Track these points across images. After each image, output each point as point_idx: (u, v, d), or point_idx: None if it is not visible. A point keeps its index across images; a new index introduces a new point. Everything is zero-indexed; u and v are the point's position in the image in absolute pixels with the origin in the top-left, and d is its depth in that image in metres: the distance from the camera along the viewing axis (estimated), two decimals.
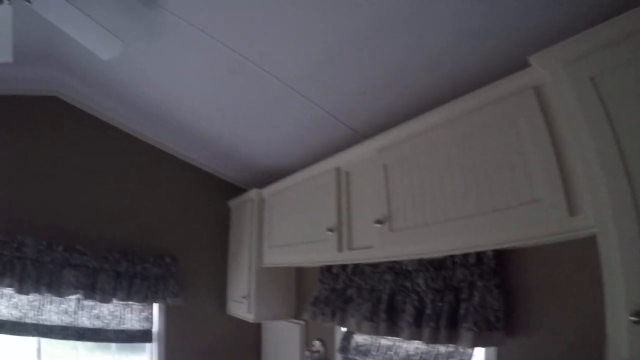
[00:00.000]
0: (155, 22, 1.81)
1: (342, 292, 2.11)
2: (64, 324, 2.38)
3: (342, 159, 1.99)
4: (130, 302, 2.60)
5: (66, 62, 2.35)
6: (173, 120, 2.71)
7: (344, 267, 2.14)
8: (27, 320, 2.27)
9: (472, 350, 1.55)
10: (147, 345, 2.69)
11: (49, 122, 2.58)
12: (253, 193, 2.77)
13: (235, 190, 3.26)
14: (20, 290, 2.19)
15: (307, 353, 2.49)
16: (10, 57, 1.75)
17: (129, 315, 2.62)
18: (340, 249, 1.87)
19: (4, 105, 2.44)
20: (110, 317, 2.54)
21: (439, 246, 1.40)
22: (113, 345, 2.58)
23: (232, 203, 3.16)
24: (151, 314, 2.72)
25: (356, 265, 2.05)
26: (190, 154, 3.07)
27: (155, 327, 2.72)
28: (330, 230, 1.91)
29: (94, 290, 2.41)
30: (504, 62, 1.46)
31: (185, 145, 3.00)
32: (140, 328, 2.64)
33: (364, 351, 2.04)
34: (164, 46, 1.96)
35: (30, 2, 1.50)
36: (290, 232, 2.33)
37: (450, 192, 1.37)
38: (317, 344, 2.48)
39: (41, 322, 2.31)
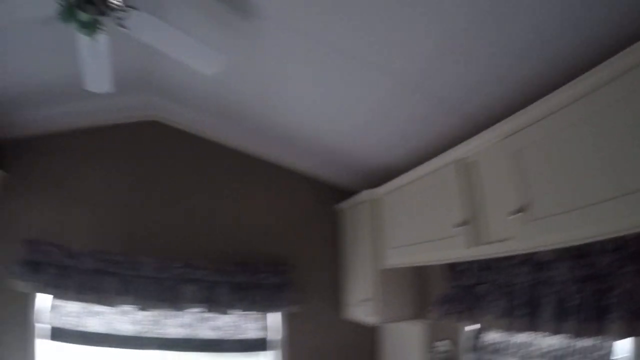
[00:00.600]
0: (251, 32, 1.70)
1: (471, 289, 2.05)
2: (184, 336, 2.46)
3: (464, 150, 1.85)
4: (247, 312, 2.60)
5: (163, 85, 2.34)
6: (277, 128, 2.62)
7: (470, 263, 2.06)
8: (149, 335, 2.38)
9: (612, 344, 1.44)
10: (262, 353, 2.70)
11: (153, 145, 2.66)
12: (366, 194, 2.65)
13: (340, 193, 3.11)
14: (142, 307, 2.29)
15: (431, 354, 2.33)
16: (111, 88, 1.68)
17: (247, 325, 2.63)
18: (471, 244, 1.76)
19: (109, 134, 2.57)
20: (229, 328, 2.57)
21: (583, 233, 1.29)
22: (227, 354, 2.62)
23: (342, 206, 3.03)
24: (266, 322, 2.71)
25: (485, 260, 1.96)
26: (295, 161, 2.98)
27: (272, 335, 2.71)
28: (459, 225, 1.79)
29: (212, 302, 2.45)
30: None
31: (290, 153, 2.92)
32: (258, 337, 2.65)
33: (496, 349, 1.97)
34: (263, 56, 1.84)
35: (127, 28, 1.36)
36: (412, 231, 2.22)
37: (588, 174, 1.27)
38: (444, 343, 2.32)
39: (163, 335, 2.41)
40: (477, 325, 2.06)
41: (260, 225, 2.82)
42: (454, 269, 2.18)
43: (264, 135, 2.74)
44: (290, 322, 2.74)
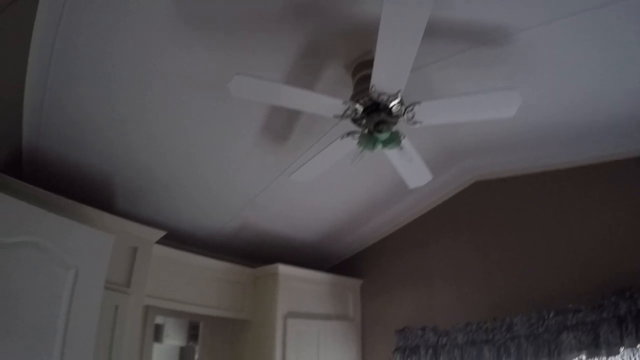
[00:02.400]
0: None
1: None
2: None
3: None
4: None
5: (470, 147, 2.27)
6: None
7: None
8: None
9: None
10: None
11: (482, 204, 2.53)
12: None
13: None
14: None
15: None
16: (429, 175, 1.71)
17: None
18: None
19: (439, 214, 2.70)
20: None
21: None
22: None
23: None
24: None
25: None
26: None
27: None
28: None
29: (597, 345, 1.91)
30: None
31: None
32: None
33: None
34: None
35: (420, 122, 1.36)
36: None
37: None
38: None
39: None
40: None
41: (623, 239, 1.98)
42: None
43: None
44: None
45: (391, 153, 1.50)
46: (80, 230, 1.63)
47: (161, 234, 2.03)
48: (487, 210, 2.49)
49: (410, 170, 1.63)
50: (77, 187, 2.03)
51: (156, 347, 2.40)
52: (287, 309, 2.45)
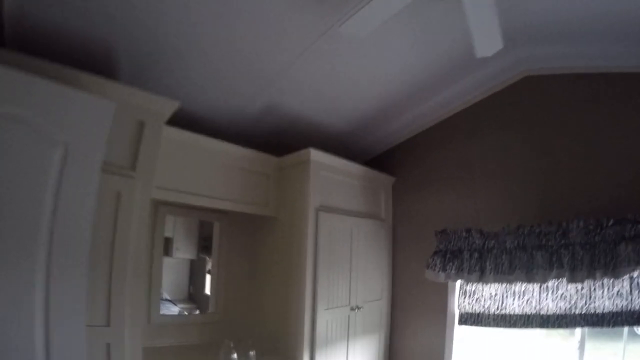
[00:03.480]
0: None
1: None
2: (615, 309, 2.03)
3: None
4: None
5: (529, 32, 1.99)
6: None
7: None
8: (575, 311, 2.09)
9: None
10: None
11: (532, 100, 2.30)
12: None
13: None
14: (572, 279, 2.00)
15: None
16: (500, 43, 1.51)
17: None
18: None
19: (487, 106, 2.43)
20: None
21: None
22: None
23: None
24: None
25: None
26: None
27: None
28: None
29: None
30: None
31: None
32: None
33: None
34: None
35: None
36: None
37: None
38: None
39: (589, 310, 2.08)
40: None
41: None
42: None
43: None
44: None
45: (470, 8, 1.27)
46: (72, 97, 1.28)
47: (174, 105, 1.67)
48: (540, 107, 2.28)
49: (482, 33, 1.34)
50: (70, 57, 1.62)
51: (166, 261, 2.22)
52: (319, 202, 2.23)
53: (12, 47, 1.54)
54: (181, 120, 1.98)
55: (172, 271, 2.36)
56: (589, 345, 2.18)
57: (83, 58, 1.67)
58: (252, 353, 2.03)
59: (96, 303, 1.45)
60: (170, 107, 1.69)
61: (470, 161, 2.48)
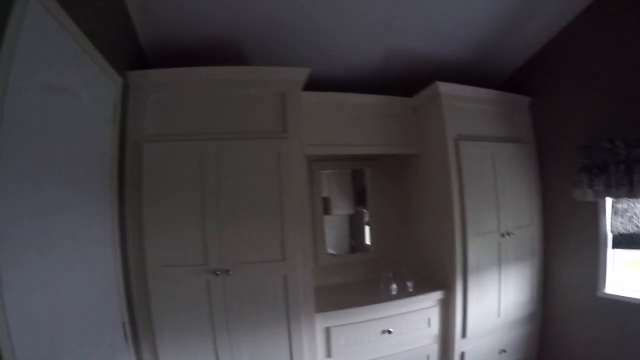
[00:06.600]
0: None
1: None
2: None
3: None
4: None
5: None
6: None
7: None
8: None
9: None
10: None
11: None
12: None
13: None
14: None
15: None
16: None
17: None
18: None
19: None
20: None
21: None
22: None
23: None
24: None
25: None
26: None
27: None
28: None
29: None
30: None
31: None
32: None
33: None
34: None
35: None
36: None
37: None
38: None
39: None
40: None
41: None
42: None
43: None
44: None
45: None
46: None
47: (304, 72, 1.90)
48: None
49: None
50: (203, 57, 2.03)
51: (327, 219, 2.51)
52: (457, 132, 2.23)
53: (155, 66, 1.98)
54: (320, 84, 2.22)
55: (334, 228, 2.61)
56: None
57: (216, 54, 2.05)
58: (409, 283, 2.18)
59: (273, 244, 1.80)
60: (301, 74, 1.91)
61: (612, 58, 2.05)
